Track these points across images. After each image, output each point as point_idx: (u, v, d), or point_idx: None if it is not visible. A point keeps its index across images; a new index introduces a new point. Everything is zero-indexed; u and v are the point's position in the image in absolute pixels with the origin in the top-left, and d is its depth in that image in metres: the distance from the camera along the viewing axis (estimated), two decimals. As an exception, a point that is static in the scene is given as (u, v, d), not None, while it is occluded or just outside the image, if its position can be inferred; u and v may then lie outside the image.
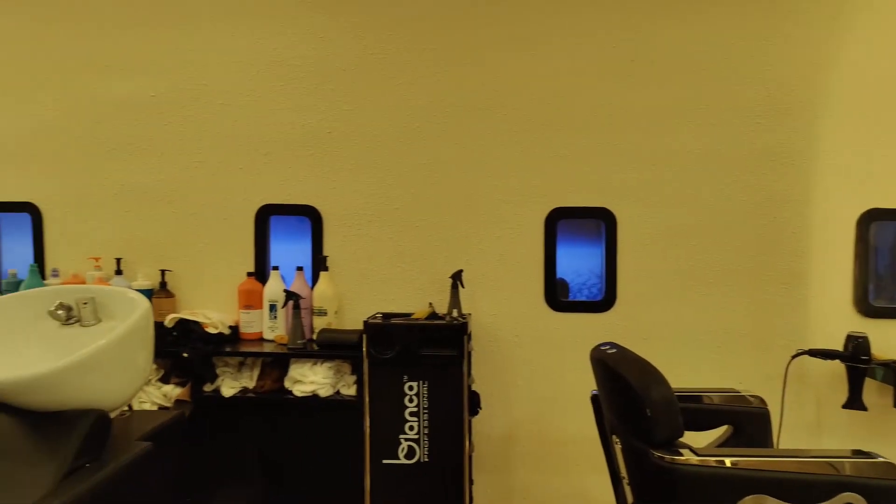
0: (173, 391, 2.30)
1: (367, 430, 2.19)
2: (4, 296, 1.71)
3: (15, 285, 2.53)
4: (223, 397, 2.29)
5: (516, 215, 2.47)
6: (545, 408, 2.48)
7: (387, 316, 2.31)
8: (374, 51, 2.46)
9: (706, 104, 2.40)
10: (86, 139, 2.58)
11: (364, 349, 2.19)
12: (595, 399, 1.79)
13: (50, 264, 2.62)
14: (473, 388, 2.30)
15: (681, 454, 1.34)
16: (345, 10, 2.45)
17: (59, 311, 1.69)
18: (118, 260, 2.55)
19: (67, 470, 1.32)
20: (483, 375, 2.46)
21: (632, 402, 1.40)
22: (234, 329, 2.50)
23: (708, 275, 2.42)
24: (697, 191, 2.41)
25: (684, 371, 2.33)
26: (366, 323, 2.20)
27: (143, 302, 1.65)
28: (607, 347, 1.61)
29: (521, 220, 2.46)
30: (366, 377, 2.20)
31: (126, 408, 1.81)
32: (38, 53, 2.56)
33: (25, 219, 2.63)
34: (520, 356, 2.48)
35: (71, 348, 1.67)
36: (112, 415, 1.55)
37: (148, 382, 2.31)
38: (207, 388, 2.32)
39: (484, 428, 2.47)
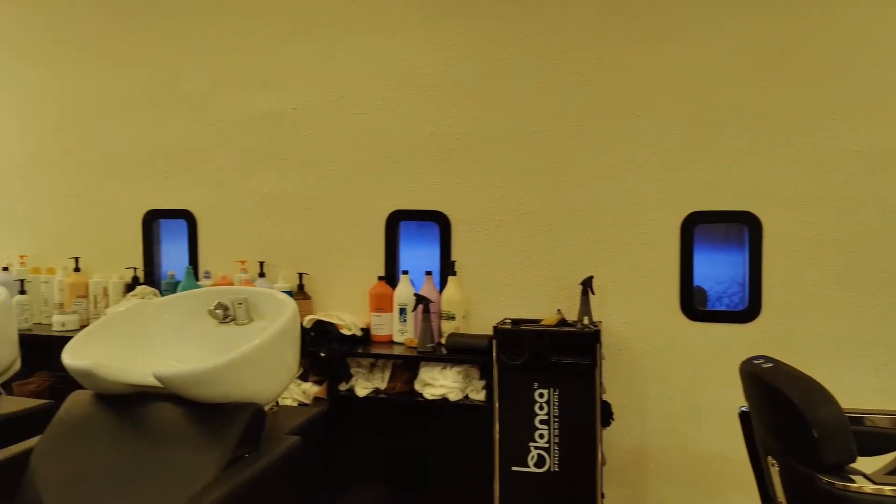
0: (311, 388, 2.41)
1: (497, 436, 2.19)
2: (172, 295, 1.87)
3: (173, 285, 2.76)
4: (357, 397, 2.37)
5: (650, 220, 2.37)
6: (681, 422, 2.36)
7: (516, 322, 2.30)
8: (502, 56, 2.46)
9: (866, 97, 2.19)
10: (234, 151, 2.78)
11: (494, 355, 2.19)
12: (744, 416, 1.68)
13: (203, 267, 2.84)
14: (604, 397, 2.23)
15: (853, 481, 1.22)
16: (474, 18, 2.47)
17: (218, 311, 1.82)
18: (261, 263, 2.72)
19: (230, 458, 1.43)
20: (614, 385, 2.38)
21: (794, 421, 1.29)
22: (366, 331, 2.58)
23: (869, 283, 2.20)
24: (857, 191, 2.20)
25: (841, 389, 2.13)
26: (496, 328, 2.20)
27: (291, 304, 1.74)
28: (762, 361, 1.50)
29: (655, 224, 2.37)
30: (495, 383, 2.19)
31: (274, 403, 1.92)
32: (193, 73, 2.80)
33: (182, 225, 2.88)
34: (653, 366, 2.38)
35: (227, 345, 1.80)
36: (266, 408, 1.65)
37: (289, 379, 2.44)
38: (342, 387, 2.42)
39: (615, 439, 2.39)
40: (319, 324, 2.47)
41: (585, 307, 2.26)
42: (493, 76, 2.47)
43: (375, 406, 2.38)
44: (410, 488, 2.35)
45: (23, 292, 2.84)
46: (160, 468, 1.43)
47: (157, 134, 2.87)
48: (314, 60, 2.64)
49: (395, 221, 2.64)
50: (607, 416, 2.22)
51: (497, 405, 2.19)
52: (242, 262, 2.74)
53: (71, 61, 2.95)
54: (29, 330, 2.76)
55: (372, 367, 2.48)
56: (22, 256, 3.03)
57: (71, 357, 1.53)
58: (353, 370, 2.45)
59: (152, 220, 2.93)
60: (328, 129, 2.66)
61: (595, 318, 2.31)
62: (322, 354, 2.39)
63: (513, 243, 2.51)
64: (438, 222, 2.58)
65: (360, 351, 2.44)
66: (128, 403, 1.57)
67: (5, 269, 2.92)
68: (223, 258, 2.83)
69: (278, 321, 1.64)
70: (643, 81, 2.36)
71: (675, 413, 2.37)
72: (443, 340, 2.44)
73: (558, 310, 2.39)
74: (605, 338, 2.35)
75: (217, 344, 1.80)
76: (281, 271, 2.73)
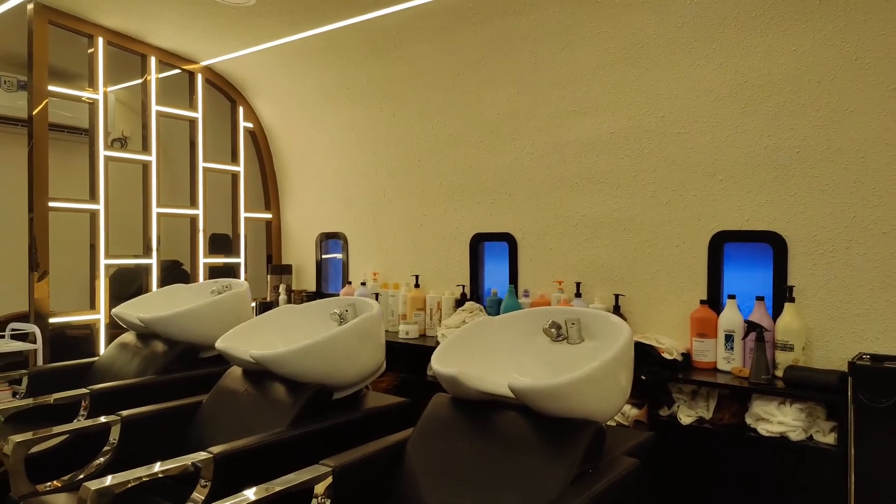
0: (631, 411, 2.41)
1: (852, 488, 1.92)
2: (511, 313, 2.04)
3: (496, 303, 3.01)
4: (680, 424, 2.29)
5: None
6: None
7: (876, 358, 1.99)
8: (857, 56, 2.17)
9: None
10: (553, 176, 2.93)
11: (849, 394, 1.93)
12: None
13: (522, 286, 3.05)
14: None
15: None
16: (824, 17, 2.21)
17: (552, 329, 1.93)
18: (578, 284, 2.81)
19: (575, 474, 1.50)
20: None
21: None
22: (686, 356, 2.49)
23: None
24: None
25: None
26: (851, 364, 1.94)
27: (626, 327, 1.76)
28: None
29: None
30: (850, 427, 1.93)
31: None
32: (516, 107, 3.03)
33: (504, 247, 3.12)
34: None
35: (561, 362, 1.89)
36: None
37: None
38: (663, 412, 2.36)
39: None
40: (639, 346, 2.45)
41: (977, 347, 1.86)
42: (844, 80, 2.19)
43: (699, 436, 2.27)
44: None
45: (377, 304, 3.37)
46: (513, 473, 1.56)
47: (483, 164, 3.18)
48: (633, 85, 2.65)
49: (719, 243, 2.50)
50: None
51: (852, 452, 1.92)
52: (559, 283, 2.87)
53: (411, 113, 3.43)
54: (382, 336, 3.26)
55: (694, 394, 2.38)
56: (375, 274, 3.60)
57: (439, 364, 1.76)
58: (674, 396, 2.38)
59: (478, 243, 3.24)
60: (648, 150, 2.65)
61: None
62: (643, 377, 2.37)
63: (867, 267, 2.18)
64: (772, 243, 2.37)
65: (681, 377, 2.35)
66: (481, 409, 1.75)
67: (363, 283, 3.50)
68: (541, 278, 3.00)
69: (617, 343, 1.67)
70: None
71: None
72: (778, 373, 2.23)
73: (934, 347, 2.01)
74: None
75: (551, 361, 1.91)
76: (597, 292, 2.79)
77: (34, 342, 3.12)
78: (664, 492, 2.31)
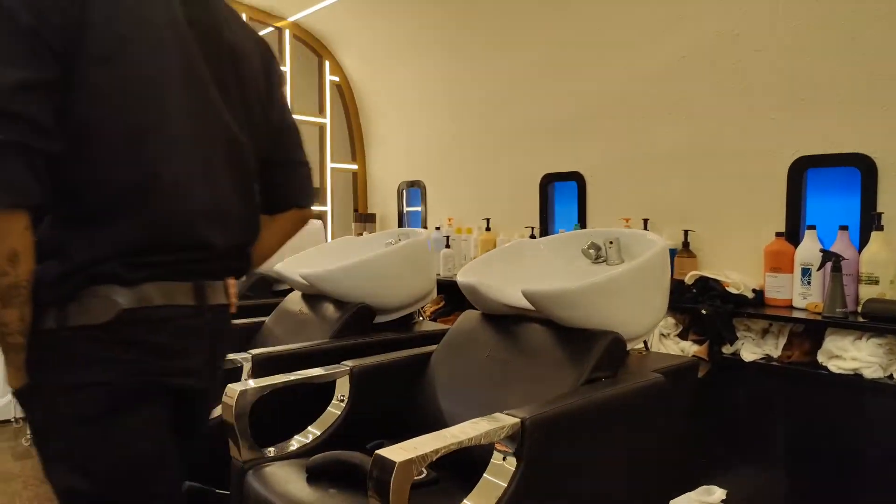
0: (690, 347, 2.28)
1: (933, 430, 1.70)
2: (550, 236, 2.00)
3: (563, 242, 2.94)
4: (743, 361, 2.14)
5: None
6: None
7: (971, 286, 1.74)
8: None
9: None
10: (619, 111, 2.79)
11: (931, 324, 1.70)
12: None
13: (590, 225, 2.95)
14: None
15: None
16: None
17: (591, 251, 1.87)
18: (645, 220, 2.68)
19: (586, 378, 1.45)
20: None
21: None
22: (758, 294, 2.30)
23: None
24: None
25: None
26: (935, 291, 1.71)
27: (660, 241, 1.67)
28: None
29: None
30: (932, 361, 1.70)
31: (642, 346, 1.88)
32: (579, 43, 2.90)
33: (573, 186, 3.03)
34: None
35: (597, 282, 1.84)
36: (629, 346, 1.63)
37: (667, 336, 2.35)
38: (726, 349, 2.21)
39: None
40: (702, 280, 2.31)
41: None
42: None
43: (765, 374, 2.10)
44: (804, 472, 2.01)
45: (448, 247, 3.40)
46: (525, 378, 1.55)
47: (550, 104, 3.09)
48: (703, 1, 2.45)
49: (801, 170, 2.27)
50: None
51: (934, 391, 1.71)
52: (626, 220, 2.74)
53: (483, 51, 3.39)
54: (451, 277, 3.29)
55: (765, 333, 2.20)
56: (450, 219, 3.63)
57: (462, 276, 1.77)
58: (741, 334, 2.22)
59: (547, 184, 3.16)
60: (721, 74, 2.44)
61: None
62: (703, 311, 2.23)
63: (973, 189, 1.90)
64: (860, 167, 2.12)
65: (748, 312, 2.18)
66: (505, 322, 1.74)
67: (437, 228, 3.55)
68: (609, 217, 2.88)
69: (643, 256, 1.59)
70: None
71: None
72: (859, 308, 2.01)
73: None
74: None
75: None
76: (666, 228, 2.64)
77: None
78: (722, 428, 2.18)
